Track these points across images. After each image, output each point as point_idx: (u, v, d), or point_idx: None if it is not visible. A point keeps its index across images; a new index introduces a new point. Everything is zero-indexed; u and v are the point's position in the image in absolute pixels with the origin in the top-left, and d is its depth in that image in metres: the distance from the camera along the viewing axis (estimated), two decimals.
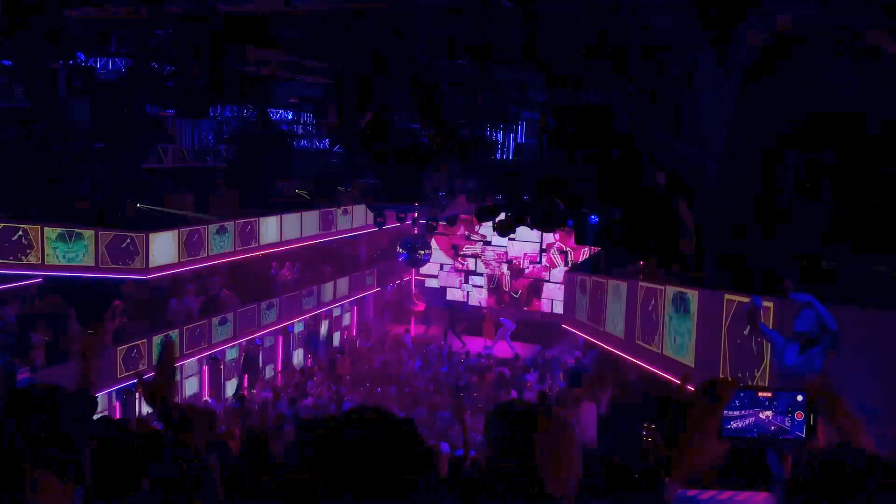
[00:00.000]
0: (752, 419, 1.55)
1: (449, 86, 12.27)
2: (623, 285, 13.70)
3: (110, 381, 14.14)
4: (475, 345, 22.92)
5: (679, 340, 11.35)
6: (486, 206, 15.06)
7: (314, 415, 14.36)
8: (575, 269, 21.37)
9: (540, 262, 25.89)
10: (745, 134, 12.56)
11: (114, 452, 2.67)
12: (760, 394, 1.57)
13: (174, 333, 15.68)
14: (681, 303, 11.41)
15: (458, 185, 16.42)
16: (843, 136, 9.33)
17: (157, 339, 15.19)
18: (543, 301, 25.78)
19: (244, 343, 18.62)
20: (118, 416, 13.58)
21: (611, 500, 2.16)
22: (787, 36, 10.05)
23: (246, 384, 18.79)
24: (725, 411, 1.54)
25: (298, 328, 21.37)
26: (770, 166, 12.16)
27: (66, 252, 14.46)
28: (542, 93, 9.95)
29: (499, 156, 14.34)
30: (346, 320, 24.34)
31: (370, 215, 20.91)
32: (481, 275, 26.73)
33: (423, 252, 20.39)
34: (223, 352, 18.05)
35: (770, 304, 8.37)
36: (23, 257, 14.16)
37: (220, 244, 17.23)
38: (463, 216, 22.83)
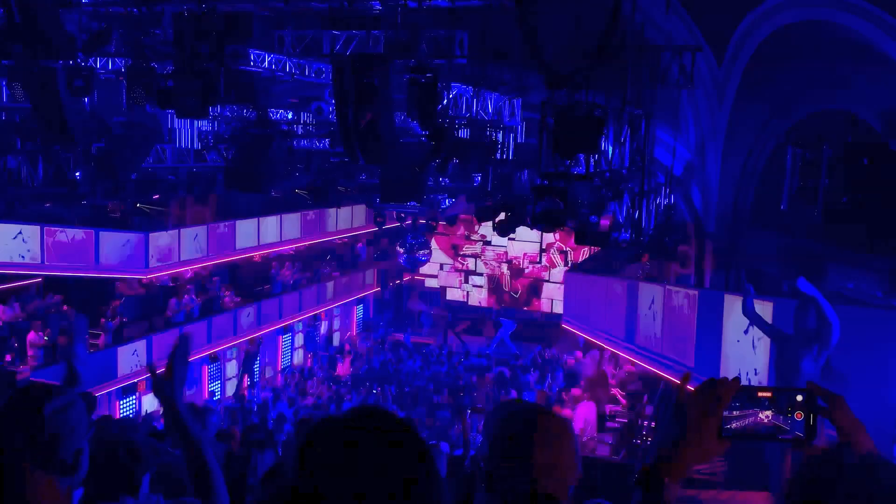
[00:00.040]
0: (751, 419, 1.55)
1: (449, 86, 12.29)
2: (623, 285, 13.70)
3: (110, 381, 14.15)
4: (475, 345, 22.92)
5: (679, 340, 11.36)
6: (486, 206, 15.05)
7: (314, 415, 14.36)
8: (575, 268, 21.38)
9: (540, 262, 25.88)
10: (744, 133, 12.56)
11: (114, 452, 2.67)
12: (760, 394, 1.57)
13: (174, 333, 15.68)
14: (681, 302, 11.41)
15: (458, 184, 16.42)
16: (841, 135, 9.33)
17: (156, 340, 15.21)
18: (543, 301, 25.77)
19: (244, 343, 18.62)
20: (118, 416, 13.58)
21: (610, 499, 2.16)
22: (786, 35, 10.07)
23: (246, 384, 18.79)
24: (725, 411, 1.54)
25: (298, 328, 21.37)
26: (769, 165, 12.16)
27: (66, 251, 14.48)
28: (542, 93, 9.94)
29: (499, 156, 14.33)
30: (345, 320, 24.34)
31: (370, 215, 20.93)
32: (481, 275, 26.72)
33: (422, 252, 20.38)
34: (223, 352, 18.05)
35: (769, 304, 8.37)
36: (22, 257, 14.16)
37: (220, 244, 17.24)
38: (463, 216, 22.83)
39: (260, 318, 18.47)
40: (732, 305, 9.81)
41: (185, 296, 16.77)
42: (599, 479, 8.75)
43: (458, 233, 26.14)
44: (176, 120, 15.67)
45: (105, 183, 13.88)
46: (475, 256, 26.68)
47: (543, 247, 25.64)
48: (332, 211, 21.17)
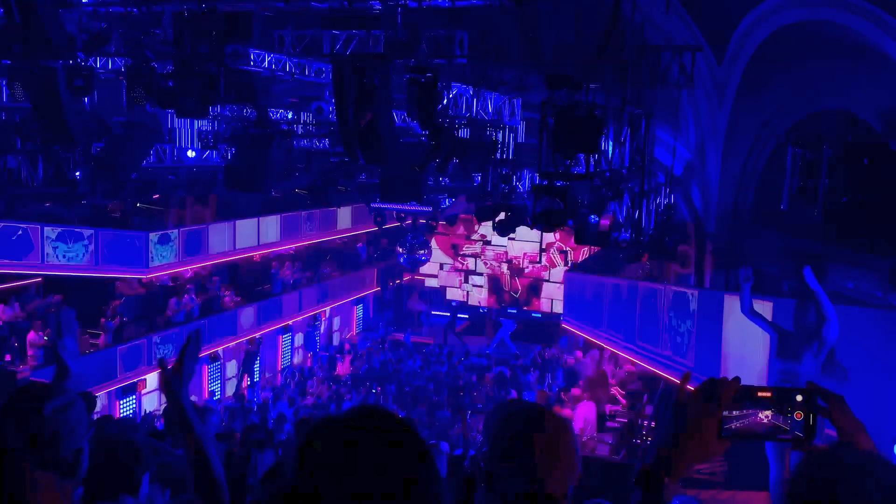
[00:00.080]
0: (751, 419, 1.55)
1: (449, 86, 12.28)
2: (623, 285, 13.71)
3: (110, 381, 14.16)
4: (475, 344, 22.92)
5: (679, 340, 11.36)
6: (486, 206, 15.06)
7: (314, 414, 14.36)
8: (575, 268, 21.38)
9: (540, 262, 25.88)
10: (744, 133, 12.56)
11: (114, 452, 2.67)
12: (760, 393, 1.57)
13: (174, 332, 15.69)
14: (681, 302, 11.41)
15: (458, 185, 16.42)
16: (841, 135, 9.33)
17: (156, 339, 15.21)
18: (543, 300, 25.77)
19: (244, 343, 18.62)
20: (118, 416, 13.57)
21: (610, 499, 2.16)
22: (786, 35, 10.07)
23: (246, 384, 18.80)
24: (725, 411, 1.54)
25: (298, 328, 21.38)
26: (769, 165, 12.16)
27: (66, 252, 14.48)
28: (542, 93, 9.95)
29: (499, 155, 14.33)
30: (345, 320, 24.34)
31: (370, 215, 20.92)
32: (481, 274, 26.72)
33: (422, 252, 20.39)
34: (223, 352, 18.06)
35: (769, 304, 8.37)
36: (22, 257, 14.16)
37: (220, 243, 17.24)
38: (463, 216, 22.83)
39: (260, 318, 18.48)
40: (732, 305, 9.82)
41: (185, 296, 16.77)
42: (599, 479, 8.75)
43: (458, 232, 26.15)
44: (176, 120, 15.68)
45: (105, 183, 13.88)
46: (475, 256, 26.68)
47: (543, 246, 25.64)
48: (332, 211, 21.17)
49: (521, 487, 1.77)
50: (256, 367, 19.26)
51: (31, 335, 13.57)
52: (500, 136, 14.42)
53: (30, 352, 13.47)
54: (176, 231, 15.97)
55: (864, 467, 1.37)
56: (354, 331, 24.56)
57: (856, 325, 7.19)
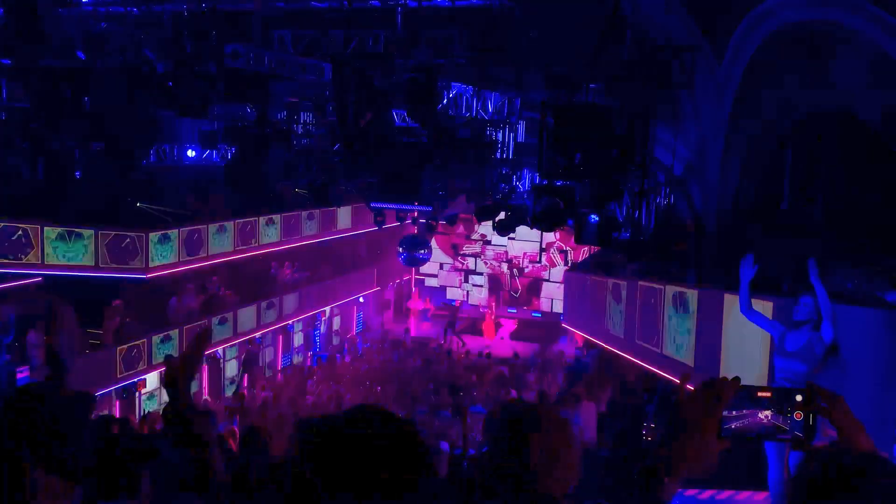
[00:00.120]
0: (751, 419, 1.55)
1: (449, 85, 12.28)
2: (623, 284, 13.71)
3: (110, 380, 14.15)
4: (475, 344, 22.93)
5: (679, 340, 11.36)
6: (486, 206, 15.06)
7: (314, 414, 14.38)
8: (575, 268, 21.38)
9: (540, 262, 25.90)
10: (744, 133, 12.55)
11: (114, 452, 2.67)
12: (759, 393, 1.57)
13: (173, 332, 15.69)
14: (681, 302, 11.42)
15: (458, 184, 16.41)
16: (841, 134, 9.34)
17: (156, 339, 15.20)
18: (543, 300, 25.79)
19: (244, 342, 18.63)
20: (118, 416, 13.57)
21: (609, 499, 2.16)
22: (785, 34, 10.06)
23: (246, 384, 18.80)
24: (725, 411, 1.54)
25: (298, 328, 21.38)
26: (770, 165, 12.16)
27: (66, 252, 14.48)
28: (542, 92, 9.96)
29: (499, 155, 14.34)
30: (345, 320, 24.35)
31: (370, 215, 20.89)
32: (481, 274, 26.73)
33: (422, 251, 20.39)
34: (223, 351, 18.06)
35: (769, 304, 8.37)
36: (22, 257, 14.16)
37: (220, 243, 17.24)
38: (463, 215, 22.84)
39: (260, 318, 18.48)
40: (732, 305, 9.81)
41: (185, 295, 16.77)
42: (599, 479, 8.75)
43: (458, 232, 26.16)
44: (176, 119, 15.66)
45: (105, 182, 13.88)
46: (475, 256, 26.69)
47: (543, 246, 25.66)
48: (332, 211, 21.17)
49: (521, 487, 1.77)
50: (256, 366, 19.27)
51: (30, 335, 13.56)
52: (500, 135, 14.42)
53: (30, 352, 13.46)
54: (176, 231, 15.96)
55: (864, 467, 1.37)
56: (354, 330, 24.57)
57: (856, 325, 7.18)
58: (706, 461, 1.53)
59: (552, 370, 19.52)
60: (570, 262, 24.59)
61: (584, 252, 21.90)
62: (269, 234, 18.89)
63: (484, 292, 26.52)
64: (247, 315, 18.00)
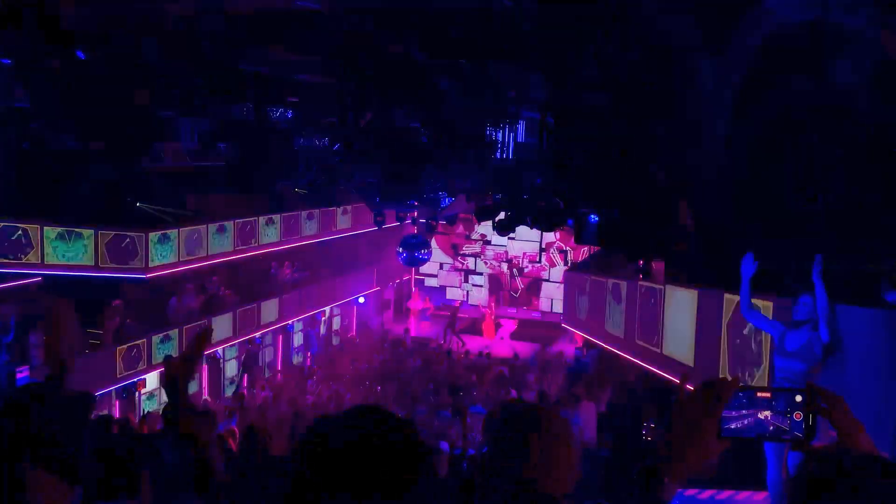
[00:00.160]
0: (750, 419, 1.55)
1: (449, 85, 12.28)
2: (623, 285, 13.71)
3: (110, 380, 14.15)
4: (475, 344, 22.93)
5: (679, 340, 11.36)
6: (486, 206, 15.07)
7: (314, 414, 14.37)
8: (575, 268, 21.39)
9: (539, 262, 25.91)
10: (745, 132, 12.55)
11: (114, 452, 2.67)
12: (759, 394, 1.57)
13: (173, 332, 15.69)
14: (681, 302, 11.42)
15: (457, 184, 16.42)
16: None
17: (156, 339, 15.20)
18: (543, 300, 25.80)
19: (244, 342, 18.63)
20: (118, 416, 13.58)
21: (609, 499, 2.16)
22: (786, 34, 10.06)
23: (246, 384, 18.80)
24: (724, 411, 1.54)
25: (298, 327, 21.39)
26: (770, 164, 12.15)
27: (66, 251, 14.49)
28: (543, 92, 9.97)
29: (499, 155, 14.33)
30: (345, 319, 24.35)
31: (370, 215, 20.90)
32: (481, 274, 26.74)
33: (422, 251, 20.40)
34: (223, 351, 18.07)
35: (769, 304, 8.37)
36: (22, 257, 14.17)
37: (220, 243, 17.25)
38: (463, 215, 22.84)
39: (260, 318, 18.48)
40: (732, 305, 9.81)
41: (185, 295, 16.77)
42: (599, 479, 8.75)
43: (458, 231, 26.17)
44: (176, 119, 15.67)
45: (104, 182, 13.89)
46: (475, 256, 26.70)
47: (543, 246, 25.67)
48: (332, 210, 21.18)
49: (520, 487, 1.77)
50: (256, 366, 19.27)
51: (31, 335, 13.57)
52: (500, 135, 14.43)
53: (30, 351, 13.47)
54: (176, 231, 15.96)
55: (864, 468, 1.37)
56: (354, 330, 24.57)
57: (856, 325, 7.18)
58: (706, 461, 1.53)
59: (552, 370, 19.52)
60: (569, 262, 24.59)
61: (584, 252, 21.91)
62: (269, 234, 18.89)
63: (484, 292, 26.53)
64: (247, 315, 18.00)
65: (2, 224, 13.89)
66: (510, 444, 1.82)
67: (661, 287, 12.07)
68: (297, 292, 20.08)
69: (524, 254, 26.11)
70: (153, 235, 15.21)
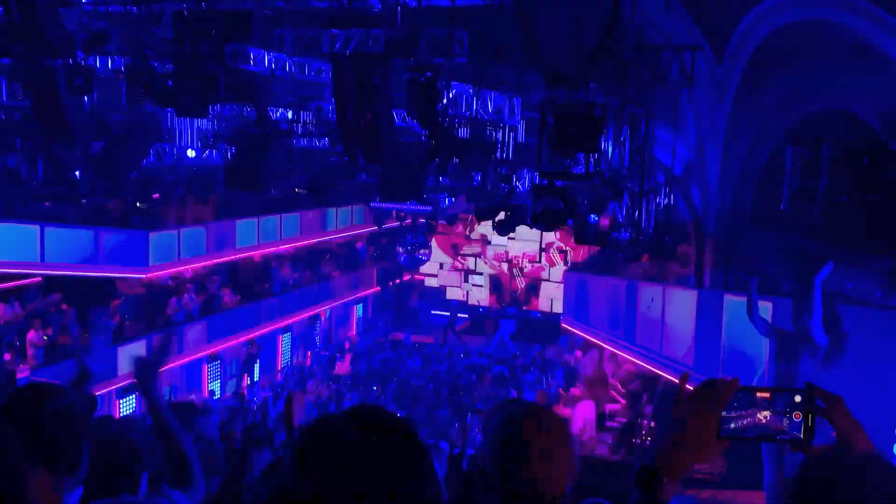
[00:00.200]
0: (750, 419, 1.55)
1: (449, 85, 12.28)
2: (623, 284, 13.71)
3: (110, 380, 14.15)
4: (474, 344, 22.93)
5: (678, 340, 11.36)
6: (486, 206, 15.05)
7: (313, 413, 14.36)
8: (575, 268, 21.38)
9: (539, 262, 25.90)
10: (744, 133, 12.55)
11: (114, 452, 2.67)
12: (758, 394, 1.57)
13: (174, 333, 15.67)
14: (681, 302, 11.42)
15: (458, 184, 16.41)
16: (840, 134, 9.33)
17: (156, 339, 15.19)
18: (543, 300, 25.78)
19: (244, 343, 18.63)
20: (118, 416, 13.58)
21: (609, 499, 2.16)
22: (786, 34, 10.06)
23: (245, 383, 18.80)
24: (724, 411, 1.54)
25: (298, 327, 21.38)
26: (770, 165, 12.15)
27: (66, 251, 14.48)
28: (542, 92, 9.96)
29: (499, 155, 14.32)
30: (345, 319, 24.35)
31: (370, 215, 20.92)
32: (481, 274, 26.74)
33: (422, 252, 20.39)
34: (223, 351, 18.06)
35: (768, 304, 8.38)
36: (22, 256, 14.16)
37: (220, 243, 17.24)
38: (463, 215, 22.83)
39: (260, 318, 18.47)
40: (732, 305, 9.82)
41: (185, 295, 16.77)
42: (598, 479, 8.74)
43: (458, 232, 26.16)
44: (176, 119, 15.67)
45: (105, 182, 13.88)
46: (475, 256, 26.69)
47: (543, 246, 25.66)
48: (332, 210, 21.17)
49: (518, 487, 1.77)
50: (256, 366, 19.27)
51: (31, 334, 13.57)
52: (499, 135, 14.42)
53: (30, 351, 13.47)
54: (176, 231, 15.96)
55: (864, 468, 1.37)
56: (354, 330, 24.57)
57: (856, 325, 7.19)
58: (705, 462, 1.53)
59: (552, 370, 19.52)
60: (569, 262, 24.58)
61: (584, 252, 21.89)
62: (269, 234, 18.88)
63: (485, 292, 26.53)
64: (246, 314, 18.00)
65: (2, 224, 13.89)
66: (508, 443, 1.82)
67: (662, 287, 12.07)
68: (297, 293, 20.07)
69: (524, 254, 26.10)
70: (153, 235, 15.21)
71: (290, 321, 20.21)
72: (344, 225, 22.18)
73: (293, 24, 10.82)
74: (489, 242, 26.21)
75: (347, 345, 22.82)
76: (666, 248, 12.42)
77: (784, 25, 10.29)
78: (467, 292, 26.80)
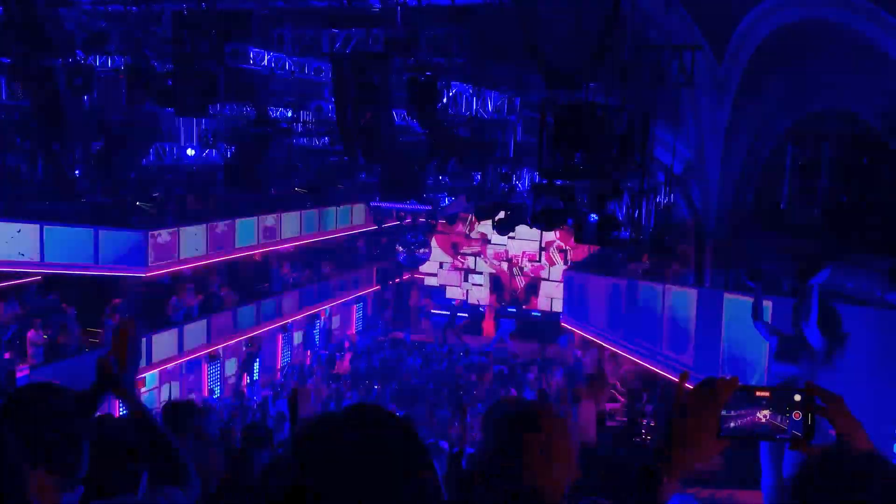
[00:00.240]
0: (749, 418, 1.55)
1: (449, 84, 12.27)
2: (623, 284, 13.71)
3: None
4: (474, 343, 22.93)
5: (678, 339, 11.36)
6: (486, 205, 15.06)
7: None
8: (574, 267, 21.37)
9: (539, 261, 25.90)
10: (744, 133, 12.54)
11: (114, 452, 2.67)
12: (758, 393, 1.57)
13: (174, 332, 15.68)
14: (681, 302, 11.42)
15: (458, 184, 16.42)
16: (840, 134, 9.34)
17: (156, 338, 15.19)
18: (543, 299, 25.78)
19: (244, 342, 18.62)
20: (118, 416, 13.57)
21: (609, 498, 2.16)
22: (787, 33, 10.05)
23: (245, 382, 18.80)
24: (723, 410, 1.54)
25: (298, 326, 21.38)
26: (770, 164, 12.14)
27: (66, 250, 14.48)
28: (542, 91, 9.96)
29: (499, 154, 14.33)
30: (345, 318, 24.35)
31: (370, 215, 20.92)
32: (481, 273, 26.73)
33: (422, 251, 20.39)
34: (223, 350, 18.06)
35: (769, 304, 8.37)
36: (22, 256, 14.15)
37: (220, 243, 17.24)
38: (462, 214, 22.83)
39: (259, 317, 18.47)
40: (732, 304, 9.82)
41: (185, 294, 16.76)
42: (598, 479, 8.74)
43: (458, 231, 26.16)
44: (176, 118, 15.67)
45: (104, 181, 13.88)
46: (475, 255, 26.69)
47: (543, 245, 25.65)
48: (332, 210, 21.17)
49: (517, 486, 1.77)
50: (256, 365, 19.27)
51: (30, 334, 13.56)
52: (499, 134, 14.42)
53: (30, 350, 13.46)
54: (176, 230, 15.95)
55: (864, 467, 1.37)
56: (354, 329, 24.57)
57: (856, 325, 7.19)
58: (705, 461, 1.53)
59: (552, 369, 19.52)
60: (569, 262, 24.57)
61: (584, 251, 21.89)
62: (269, 233, 18.88)
63: (485, 291, 26.53)
64: (246, 314, 17.99)
65: (2, 223, 13.87)
66: (507, 442, 1.82)
67: (662, 287, 12.07)
68: (297, 292, 20.07)
69: (524, 253, 26.09)
70: (153, 235, 15.21)
71: (290, 320, 20.21)
72: (344, 224, 22.17)
73: (293, 23, 10.82)
74: (489, 241, 26.20)
75: (347, 344, 22.82)
76: (666, 248, 12.43)
77: (784, 25, 10.28)
78: (467, 291, 26.80)
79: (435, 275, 26.97)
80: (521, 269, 26.21)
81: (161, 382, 16.23)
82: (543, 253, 25.79)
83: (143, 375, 15.05)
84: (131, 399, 2.28)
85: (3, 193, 13.84)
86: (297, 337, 21.59)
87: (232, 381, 18.79)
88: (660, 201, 12.32)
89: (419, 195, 13.50)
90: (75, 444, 1.96)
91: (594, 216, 9.80)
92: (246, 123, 14.10)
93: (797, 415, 1.55)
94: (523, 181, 15.27)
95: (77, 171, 13.53)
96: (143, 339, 14.72)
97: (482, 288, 26.61)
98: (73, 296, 14.81)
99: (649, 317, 12.28)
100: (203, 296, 17.37)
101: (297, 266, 21.14)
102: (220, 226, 17.27)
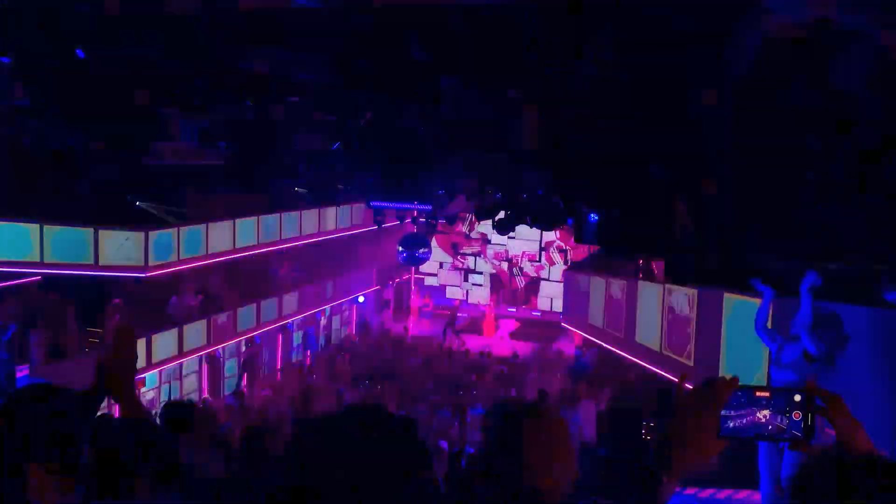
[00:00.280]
0: (749, 418, 1.55)
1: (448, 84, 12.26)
2: (622, 284, 13.71)
3: None
4: (474, 343, 22.93)
5: (678, 339, 11.36)
6: (486, 205, 15.07)
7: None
8: (574, 267, 21.38)
9: (539, 261, 25.91)
10: (744, 132, 12.53)
11: (114, 452, 2.67)
12: (758, 393, 1.57)
13: (173, 332, 15.67)
14: (680, 302, 11.42)
15: (458, 184, 16.41)
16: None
17: (156, 338, 15.19)
18: (543, 299, 25.80)
19: (244, 341, 18.63)
20: (118, 416, 13.57)
21: (609, 498, 2.16)
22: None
23: (245, 383, 18.80)
24: (723, 411, 1.54)
25: (298, 326, 21.39)
26: (770, 164, 12.14)
27: (66, 250, 14.48)
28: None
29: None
30: (345, 318, 24.35)
31: (370, 214, 20.88)
32: (481, 273, 26.74)
33: (422, 251, 20.40)
34: (223, 351, 18.07)
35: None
36: (22, 256, 14.15)
37: (220, 242, 17.25)
38: (462, 214, 22.84)
39: (259, 317, 18.48)
40: (732, 305, 9.82)
41: (185, 294, 16.77)
42: (598, 478, 8.75)
43: (458, 230, 26.17)
44: (176, 118, 15.66)
45: (104, 181, 13.89)
46: (475, 255, 26.70)
47: (543, 245, 25.67)
48: (332, 209, 21.18)
49: (517, 486, 1.77)
50: (256, 366, 19.28)
51: (31, 334, 13.57)
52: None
53: (30, 351, 13.47)
54: (176, 230, 15.95)
55: (864, 467, 1.37)
56: (354, 329, 24.57)
57: (856, 325, 7.18)
58: (705, 461, 1.53)
59: (552, 370, 19.52)
60: (569, 261, 24.58)
61: (584, 251, 21.90)
62: (269, 233, 18.88)
63: (484, 291, 26.53)
64: (246, 314, 17.99)
65: (2, 223, 13.88)
66: (507, 442, 1.82)
67: (661, 286, 12.06)
68: (296, 292, 20.08)
69: (524, 253, 26.11)
70: (153, 234, 15.21)
71: (290, 320, 20.22)
72: (344, 224, 22.18)
73: (293, 22, 10.80)
74: (489, 241, 26.22)
75: (347, 344, 22.82)
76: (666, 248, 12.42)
77: (784, 25, 10.27)
78: (467, 291, 26.81)
79: (435, 275, 26.98)
80: (521, 269, 26.22)
81: (161, 382, 16.24)
82: (543, 253, 25.81)
83: (143, 375, 15.05)
84: (130, 400, 2.27)
85: (3, 193, 13.84)
86: (297, 337, 21.59)
87: (232, 381, 18.80)
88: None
89: (419, 195, 13.51)
90: (75, 445, 1.96)
91: (594, 216, 9.82)
92: (247, 123, 14.10)
93: (797, 415, 1.55)
94: None
95: (77, 171, 13.55)
96: (143, 340, 14.78)
97: (482, 288, 26.62)
98: (73, 296, 14.81)
99: (650, 317, 12.28)
100: (203, 296, 17.37)
101: (297, 266, 21.13)
102: (221, 226, 17.27)
